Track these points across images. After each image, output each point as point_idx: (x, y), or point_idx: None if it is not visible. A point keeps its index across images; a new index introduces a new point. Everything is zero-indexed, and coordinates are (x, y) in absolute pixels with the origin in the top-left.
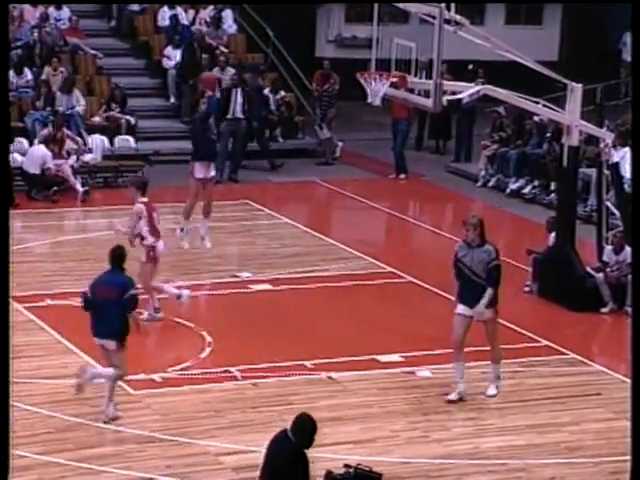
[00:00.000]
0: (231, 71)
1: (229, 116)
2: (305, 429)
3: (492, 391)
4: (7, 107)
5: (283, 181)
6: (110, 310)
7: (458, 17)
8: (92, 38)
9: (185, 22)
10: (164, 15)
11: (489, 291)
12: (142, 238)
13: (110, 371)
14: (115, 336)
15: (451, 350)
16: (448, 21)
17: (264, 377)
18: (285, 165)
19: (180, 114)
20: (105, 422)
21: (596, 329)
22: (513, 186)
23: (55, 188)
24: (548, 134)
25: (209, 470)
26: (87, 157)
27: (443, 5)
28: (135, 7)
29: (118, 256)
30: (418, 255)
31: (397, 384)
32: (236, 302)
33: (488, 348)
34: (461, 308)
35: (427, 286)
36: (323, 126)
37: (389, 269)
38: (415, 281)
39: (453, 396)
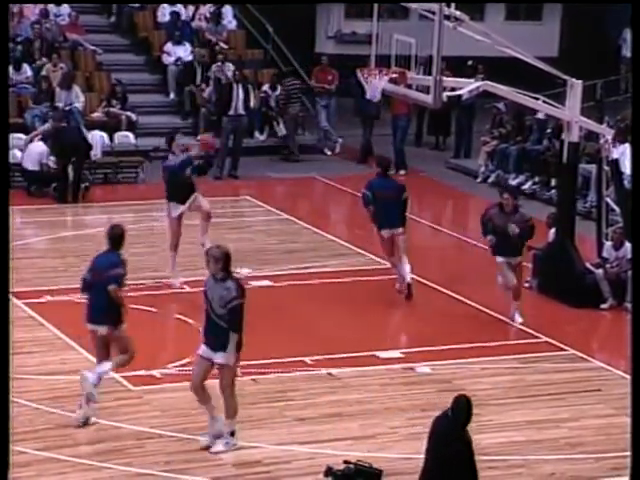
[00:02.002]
0: (231, 67)
1: (231, 112)
2: (461, 408)
3: (218, 447)
4: (6, 103)
5: (283, 177)
6: (103, 292)
7: (458, 13)
8: (92, 34)
9: (184, 18)
10: (164, 11)
11: (232, 336)
12: None
13: (107, 365)
14: (109, 320)
15: (196, 396)
16: (448, 17)
17: (264, 373)
18: (285, 161)
19: (180, 110)
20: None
21: (596, 325)
22: (513, 182)
23: (54, 184)
24: (548, 130)
25: (209, 466)
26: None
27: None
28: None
29: (115, 237)
30: (418, 251)
31: (397, 380)
32: None
33: (221, 401)
34: (202, 349)
35: (427, 282)
36: (280, 122)
37: (388, 265)
38: (415, 277)
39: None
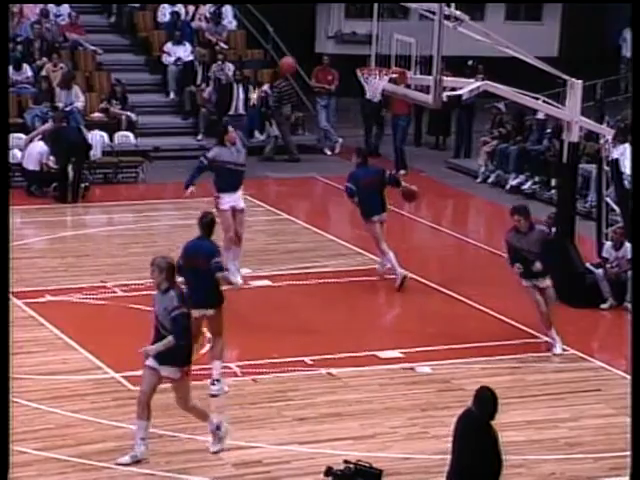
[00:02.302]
0: (231, 67)
1: (231, 112)
2: (487, 401)
3: (215, 447)
4: (6, 103)
5: (282, 177)
6: (200, 278)
7: (458, 13)
8: (92, 34)
9: (183, 18)
10: (164, 11)
11: (168, 339)
12: None
13: (218, 364)
14: (212, 304)
15: (137, 408)
16: (448, 17)
17: (263, 373)
18: (284, 161)
19: (180, 110)
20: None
21: (596, 325)
22: (513, 182)
23: (55, 184)
24: (548, 130)
25: (209, 466)
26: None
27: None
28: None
29: (207, 224)
30: (417, 251)
31: (397, 380)
32: (235, 298)
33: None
34: (150, 359)
35: (426, 282)
36: (273, 123)
37: (388, 265)
38: (415, 277)
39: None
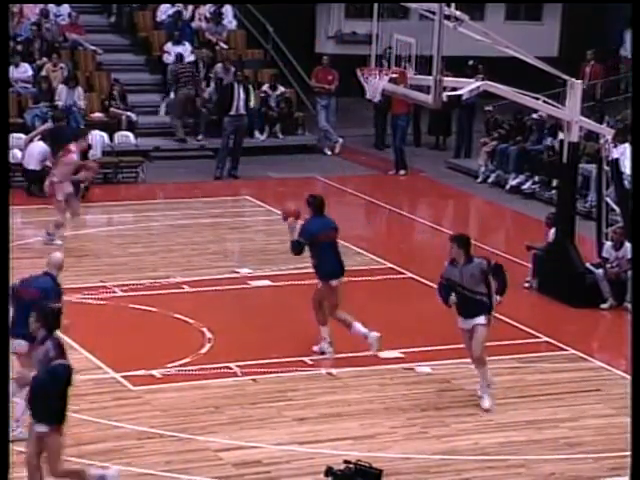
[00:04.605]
0: (231, 68)
1: (232, 112)
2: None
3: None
4: (6, 103)
5: (283, 177)
6: (332, 251)
7: (458, 13)
8: (92, 34)
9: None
10: (164, 11)
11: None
12: None
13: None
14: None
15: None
16: (448, 17)
17: (264, 373)
18: (285, 161)
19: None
20: None
21: (596, 325)
22: (513, 182)
23: None
24: (545, 130)
25: (209, 466)
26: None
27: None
28: None
29: (319, 203)
30: (418, 251)
31: (397, 380)
32: (236, 298)
33: None
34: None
35: (427, 282)
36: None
37: (389, 265)
38: (415, 277)
39: None
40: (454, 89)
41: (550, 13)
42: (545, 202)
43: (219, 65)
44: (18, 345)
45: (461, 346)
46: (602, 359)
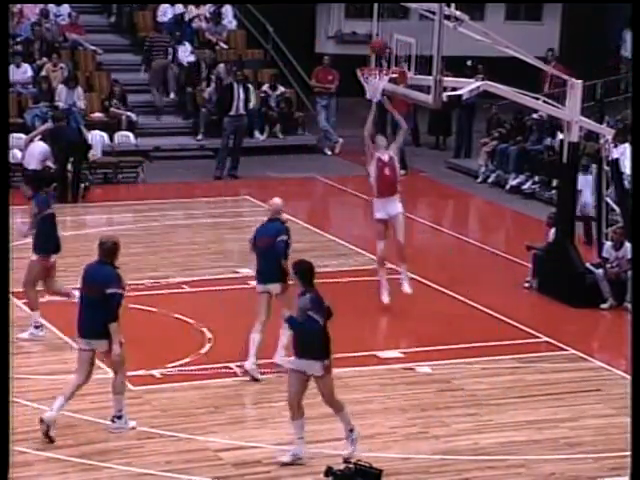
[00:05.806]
0: (233, 68)
1: (232, 112)
2: None
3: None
4: (6, 103)
5: (283, 177)
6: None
7: (458, 13)
8: (92, 34)
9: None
10: (164, 11)
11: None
12: None
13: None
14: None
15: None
16: (448, 17)
17: (264, 373)
18: (285, 161)
19: (180, 110)
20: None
21: (596, 325)
22: (513, 182)
23: (55, 184)
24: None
25: (209, 466)
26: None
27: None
28: None
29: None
30: (418, 251)
31: (397, 380)
32: (236, 298)
33: None
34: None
35: (427, 282)
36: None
37: (389, 265)
38: (415, 277)
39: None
40: (454, 89)
41: (550, 13)
42: (545, 202)
43: (221, 65)
44: None
45: (461, 346)
46: (602, 359)
